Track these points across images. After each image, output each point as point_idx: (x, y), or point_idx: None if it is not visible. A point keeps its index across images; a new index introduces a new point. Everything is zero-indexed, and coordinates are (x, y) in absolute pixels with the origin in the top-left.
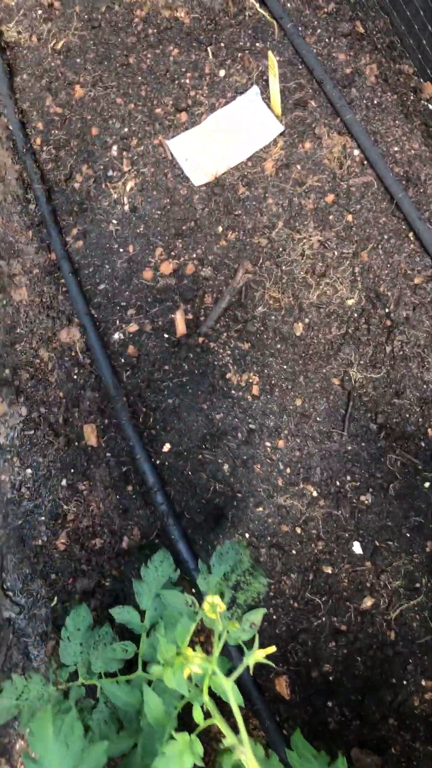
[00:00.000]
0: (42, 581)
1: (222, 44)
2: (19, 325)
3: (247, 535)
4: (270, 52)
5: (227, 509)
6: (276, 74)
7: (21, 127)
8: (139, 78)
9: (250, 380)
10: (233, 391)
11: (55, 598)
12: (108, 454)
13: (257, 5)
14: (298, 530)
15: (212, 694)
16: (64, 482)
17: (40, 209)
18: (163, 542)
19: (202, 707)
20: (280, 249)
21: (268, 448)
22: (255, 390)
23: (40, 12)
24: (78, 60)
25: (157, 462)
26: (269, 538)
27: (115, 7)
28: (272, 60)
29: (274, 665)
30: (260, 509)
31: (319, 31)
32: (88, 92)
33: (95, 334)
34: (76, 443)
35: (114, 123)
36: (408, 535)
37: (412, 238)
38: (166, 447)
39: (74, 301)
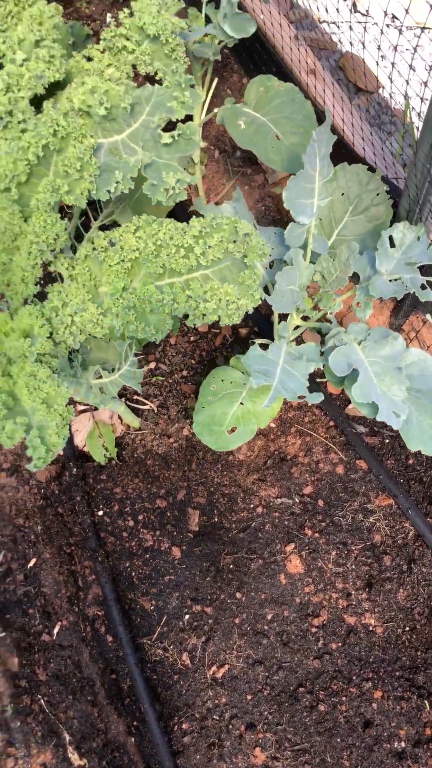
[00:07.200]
0: None
1: None
2: None
3: None
4: None
5: None
6: None
7: None
8: (338, 737)
9: None
10: None
11: None
12: None
13: None
14: None
15: None
16: None
17: None
18: None
19: None
20: None
21: None
22: None
23: (187, 618)
24: (249, 697)
25: None
26: None
27: (283, 612)
28: None
29: None
30: None
31: None
32: (271, 758)
33: None
34: None
35: None
36: None
37: None
38: None
39: None
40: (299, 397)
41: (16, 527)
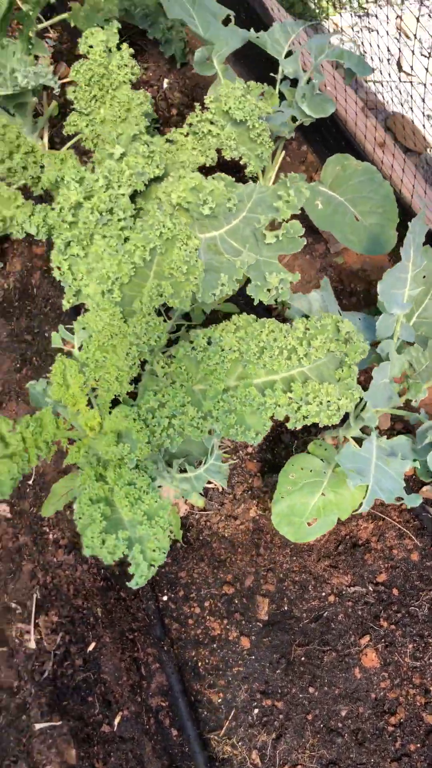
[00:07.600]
0: None
1: None
2: None
3: None
4: None
5: None
6: None
7: None
8: None
9: None
10: None
11: None
12: None
13: None
14: None
15: None
16: None
17: None
18: None
19: None
20: None
21: None
22: None
23: (257, 712)
24: None
25: None
26: None
27: (358, 709)
28: None
29: None
30: None
31: None
32: None
33: None
34: None
35: None
36: None
37: None
38: None
39: None
40: (396, 499)
41: (75, 608)
